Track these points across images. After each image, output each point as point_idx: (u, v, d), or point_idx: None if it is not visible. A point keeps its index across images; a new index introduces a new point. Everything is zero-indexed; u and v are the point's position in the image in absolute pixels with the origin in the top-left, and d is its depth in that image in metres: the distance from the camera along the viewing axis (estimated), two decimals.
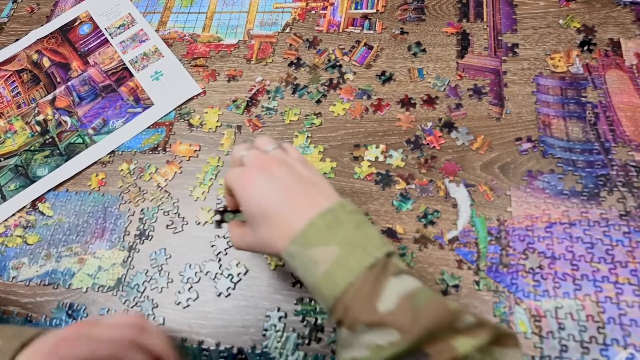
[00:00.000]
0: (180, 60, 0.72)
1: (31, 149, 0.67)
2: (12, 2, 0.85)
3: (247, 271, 0.54)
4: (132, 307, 0.54)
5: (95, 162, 0.65)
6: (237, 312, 0.51)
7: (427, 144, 0.58)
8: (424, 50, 0.66)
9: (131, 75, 0.72)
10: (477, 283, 0.49)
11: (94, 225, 0.60)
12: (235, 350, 0.49)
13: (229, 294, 0.53)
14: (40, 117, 0.70)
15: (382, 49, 0.67)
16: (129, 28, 0.77)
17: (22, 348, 0.40)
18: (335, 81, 0.65)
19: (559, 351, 0.45)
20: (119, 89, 0.71)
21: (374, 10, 0.71)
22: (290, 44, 0.71)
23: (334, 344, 0.48)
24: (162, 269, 0.55)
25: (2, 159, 0.67)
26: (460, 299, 0.48)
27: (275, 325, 0.50)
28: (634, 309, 0.45)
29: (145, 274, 0.55)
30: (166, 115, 0.67)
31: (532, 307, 0.47)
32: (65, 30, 0.79)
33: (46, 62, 0.76)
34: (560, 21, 0.65)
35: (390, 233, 0.53)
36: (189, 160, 0.63)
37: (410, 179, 0.56)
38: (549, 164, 0.55)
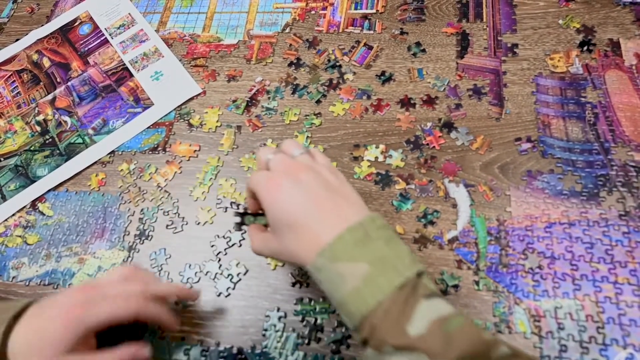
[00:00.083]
0: (180, 60, 0.72)
1: (31, 149, 0.67)
2: (12, 2, 0.85)
3: (247, 271, 0.54)
4: None
5: (95, 162, 0.65)
6: (237, 312, 0.51)
7: (427, 144, 0.58)
8: (423, 51, 0.66)
9: (131, 75, 0.72)
10: (477, 283, 0.49)
11: (93, 225, 0.60)
12: (235, 350, 0.49)
13: (229, 294, 0.53)
14: (40, 117, 0.70)
15: (382, 49, 0.67)
16: (129, 28, 0.77)
17: (15, 320, 0.39)
18: (335, 81, 0.65)
19: (559, 351, 0.45)
20: (119, 89, 0.71)
21: (374, 11, 0.71)
22: (290, 44, 0.71)
23: (333, 344, 0.48)
24: (162, 269, 0.55)
25: (2, 159, 0.67)
26: (459, 299, 0.48)
27: (275, 325, 0.50)
28: (633, 309, 0.45)
29: None
30: (166, 115, 0.67)
31: (531, 307, 0.47)
32: (66, 31, 0.79)
33: (46, 62, 0.76)
34: (560, 21, 0.65)
35: None
36: (188, 160, 0.63)
37: (410, 179, 0.56)
38: (548, 164, 0.55)
